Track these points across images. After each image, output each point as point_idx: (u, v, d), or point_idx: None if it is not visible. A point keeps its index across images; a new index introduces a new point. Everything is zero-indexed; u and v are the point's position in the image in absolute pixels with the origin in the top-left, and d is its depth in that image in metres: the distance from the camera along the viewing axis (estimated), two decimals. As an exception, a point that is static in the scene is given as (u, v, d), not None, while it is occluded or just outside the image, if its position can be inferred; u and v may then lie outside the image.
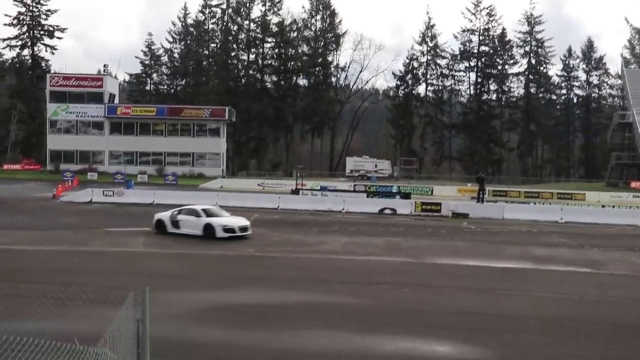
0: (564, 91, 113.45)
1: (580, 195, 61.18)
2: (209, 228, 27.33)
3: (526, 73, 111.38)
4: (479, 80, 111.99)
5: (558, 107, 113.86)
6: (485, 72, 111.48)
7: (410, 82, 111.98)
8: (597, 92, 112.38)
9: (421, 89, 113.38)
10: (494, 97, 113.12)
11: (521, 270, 22.21)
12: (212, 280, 19.38)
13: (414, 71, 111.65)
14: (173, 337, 12.44)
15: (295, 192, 53.34)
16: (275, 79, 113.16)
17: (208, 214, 28.34)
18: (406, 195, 49.76)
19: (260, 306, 15.91)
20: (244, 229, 27.85)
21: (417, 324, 14.76)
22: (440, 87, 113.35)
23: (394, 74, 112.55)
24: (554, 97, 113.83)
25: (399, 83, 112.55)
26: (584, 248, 28.37)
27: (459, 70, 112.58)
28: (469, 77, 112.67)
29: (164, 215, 28.82)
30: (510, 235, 32.21)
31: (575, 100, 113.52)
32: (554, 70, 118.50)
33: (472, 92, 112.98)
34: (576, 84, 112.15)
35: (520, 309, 16.51)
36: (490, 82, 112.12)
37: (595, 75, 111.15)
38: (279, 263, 22.86)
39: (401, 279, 20.13)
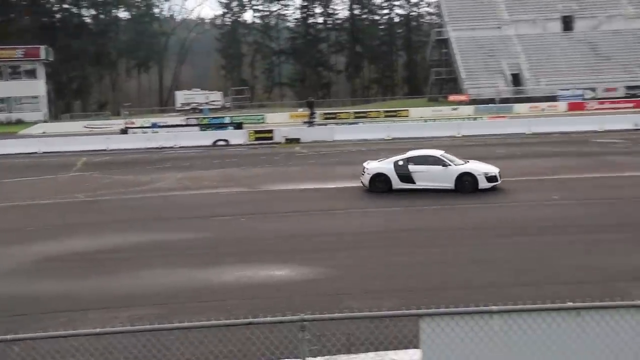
0: (386, 11, 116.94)
1: (405, 112, 64.26)
2: (466, 179, 21.33)
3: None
4: (305, 3, 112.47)
5: (381, 27, 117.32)
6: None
7: (236, 9, 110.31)
8: (417, 10, 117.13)
9: (248, 16, 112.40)
10: (320, 20, 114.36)
11: (352, 189, 23.14)
12: (42, 231, 18.42)
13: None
14: (4, 294, 11.87)
15: (124, 131, 51.48)
16: (93, 12, 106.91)
17: (452, 161, 22.13)
18: (239, 125, 49.78)
19: (96, 252, 15.47)
20: (500, 175, 22.02)
21: (256, 251, 15.06)
22: (267, 13, 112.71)
23: (219, 1, 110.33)
24: (376, 17, 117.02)
25: (225, 11, 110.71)
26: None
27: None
28: (295, 1, 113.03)
29: (384, 168, 22.14)
30: (341, 156, 33.37)
31: (396, 20, 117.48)
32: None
33: (298, 16, 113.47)
34: (397, 3, 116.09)
35: (353, 226, 17.42)
36: (315, 5, 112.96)
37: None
38: (112, 206, 22.20)
39: (238, 209, 20.31)
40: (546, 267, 13.03)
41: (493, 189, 21.22)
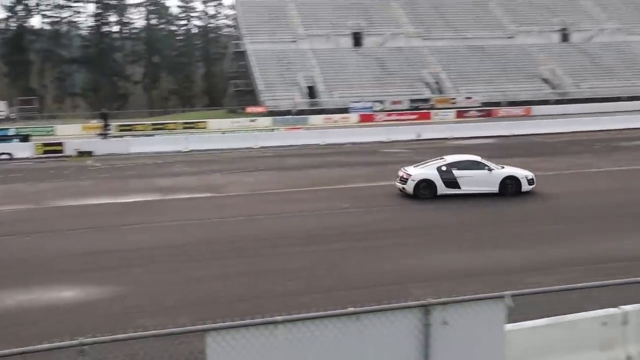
0: (183, 22, 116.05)
1: (203, 123, 63.97)
2: (509, 182, 21.82)
3: (146, 4, 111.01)
4: (99, 11, 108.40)
5: (179, 38, 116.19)
6: (105, 3, 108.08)
7: (22, 13, 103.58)
8: (214, 22, 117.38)
9: (35, 22, 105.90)
10: (115, 29, 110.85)
11: (147, 203, 22.66)
12: None
13: (25, 1, 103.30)
14: None
15: None
16: None
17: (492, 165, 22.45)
18: (25, 138, 46.68)
19: None
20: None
21: (43, 272, 14.24)
22: (57, 19, 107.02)
23: (3, 5, 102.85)
24: (174, 28, 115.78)
25: (9, 14, 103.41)
26: (205, 174, 29.96)
27: (77, 1, 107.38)
28: (88, 8, 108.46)
29: (429, 174, 21.87)
30: (135, 169, 32.50)
31: (194, 31, 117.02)
32: (174, 1, 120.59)
33: (92, 24, 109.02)
34: (194, 14, 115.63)
35: (148, 241, 16.99)
36: (109, 13, 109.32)
37: (212, 6, 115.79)
38: None
39: (23, 227, 19.04)
40: (338, 273, 13.64)
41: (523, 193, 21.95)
